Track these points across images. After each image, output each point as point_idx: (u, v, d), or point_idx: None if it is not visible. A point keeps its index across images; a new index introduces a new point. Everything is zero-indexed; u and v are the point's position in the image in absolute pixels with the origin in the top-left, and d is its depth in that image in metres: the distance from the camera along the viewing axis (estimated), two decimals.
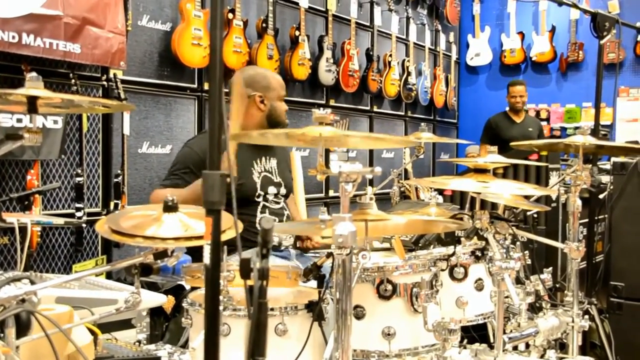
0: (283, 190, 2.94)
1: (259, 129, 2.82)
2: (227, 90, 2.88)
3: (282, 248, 2.81)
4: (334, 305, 1.55)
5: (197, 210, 1.66)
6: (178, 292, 3.05)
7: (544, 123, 7.46)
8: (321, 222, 1.59)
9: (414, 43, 6.92)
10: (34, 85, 1.51)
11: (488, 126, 6.22)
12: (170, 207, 1.63)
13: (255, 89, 2.88)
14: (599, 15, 2.83)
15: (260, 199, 2.84)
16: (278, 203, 2.90)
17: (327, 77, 5.49)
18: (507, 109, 6.23)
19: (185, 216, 1.64)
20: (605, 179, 3.62)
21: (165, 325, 3.08)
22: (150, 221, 1.62)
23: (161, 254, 1.60)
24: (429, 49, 7.30)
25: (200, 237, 1.57)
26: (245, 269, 1.15)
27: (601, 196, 3.54)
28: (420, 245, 2.19)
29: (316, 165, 1.58)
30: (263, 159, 2.91)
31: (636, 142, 5.02)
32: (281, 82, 2.98)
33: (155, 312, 2.90)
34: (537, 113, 7.58)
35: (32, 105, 1.54)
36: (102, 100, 2.97)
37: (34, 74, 1.53)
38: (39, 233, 3.40)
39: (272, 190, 2.89)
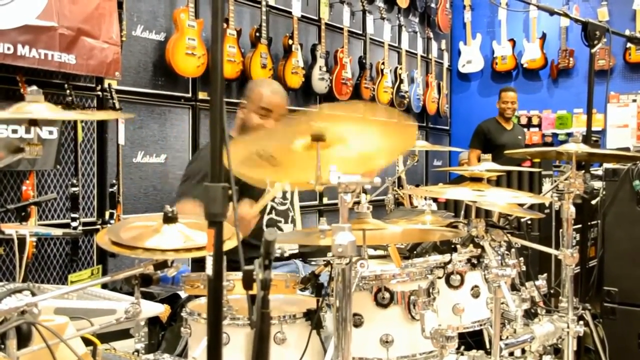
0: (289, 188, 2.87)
1: (238, 134, 2.80)
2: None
3: (287, 256, 2.81)
4: (333, 314, 1.56)
5: (197, 220, 1.67)
6: (173, 301, 3.05)
7: (535, 129, 7.59)
8: (320, 232, 1.61)
9: (406, 51, 6.96)
10: (34, 99, 1.52)
11: (479, 131, 6.20)
12: (170, 218, 1.64)
13: (244, 95, 2.90)
14: (590, 24, 2.85)
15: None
16: (284, 204, 2.90)
17: (320, 85, 5.51)
18: (497, 115, 6.26)
19: (185, 227, 1.65)
20: (598, 185, 3.66)
21: (161, 334, 3.08)
22: (150, 232, 1.63)
23: (161, 265, 1.61)
24: (421, 56, 7.34)
25: (199, 248, 1.59)
26: (247, 280, 1.16)
27: (594, 202, 3.57)
28: (416, 253, 2.21)
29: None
30: None
31: (627, 149, 5.07)
32: (266, 97, 2.78)
33: (151, 321, 2.90)
34: (529, 119, 7.63)
35: (33, 119, 1.55)
36: (98, 113, 2.97)
37: (34, 87, 1.54)
38: (34, 243, 3.40)
39: None
